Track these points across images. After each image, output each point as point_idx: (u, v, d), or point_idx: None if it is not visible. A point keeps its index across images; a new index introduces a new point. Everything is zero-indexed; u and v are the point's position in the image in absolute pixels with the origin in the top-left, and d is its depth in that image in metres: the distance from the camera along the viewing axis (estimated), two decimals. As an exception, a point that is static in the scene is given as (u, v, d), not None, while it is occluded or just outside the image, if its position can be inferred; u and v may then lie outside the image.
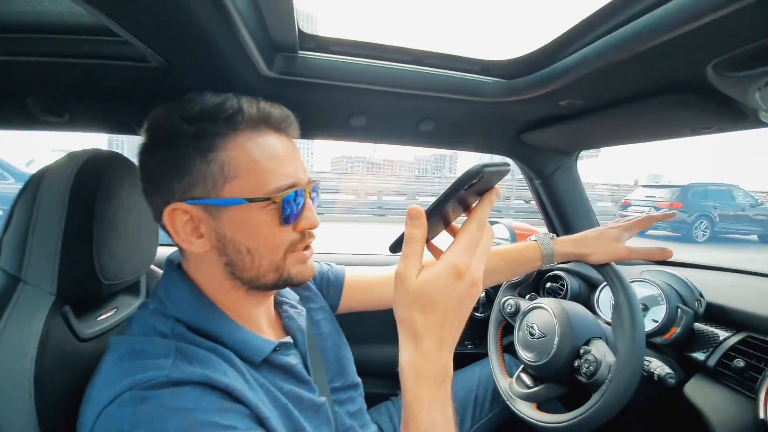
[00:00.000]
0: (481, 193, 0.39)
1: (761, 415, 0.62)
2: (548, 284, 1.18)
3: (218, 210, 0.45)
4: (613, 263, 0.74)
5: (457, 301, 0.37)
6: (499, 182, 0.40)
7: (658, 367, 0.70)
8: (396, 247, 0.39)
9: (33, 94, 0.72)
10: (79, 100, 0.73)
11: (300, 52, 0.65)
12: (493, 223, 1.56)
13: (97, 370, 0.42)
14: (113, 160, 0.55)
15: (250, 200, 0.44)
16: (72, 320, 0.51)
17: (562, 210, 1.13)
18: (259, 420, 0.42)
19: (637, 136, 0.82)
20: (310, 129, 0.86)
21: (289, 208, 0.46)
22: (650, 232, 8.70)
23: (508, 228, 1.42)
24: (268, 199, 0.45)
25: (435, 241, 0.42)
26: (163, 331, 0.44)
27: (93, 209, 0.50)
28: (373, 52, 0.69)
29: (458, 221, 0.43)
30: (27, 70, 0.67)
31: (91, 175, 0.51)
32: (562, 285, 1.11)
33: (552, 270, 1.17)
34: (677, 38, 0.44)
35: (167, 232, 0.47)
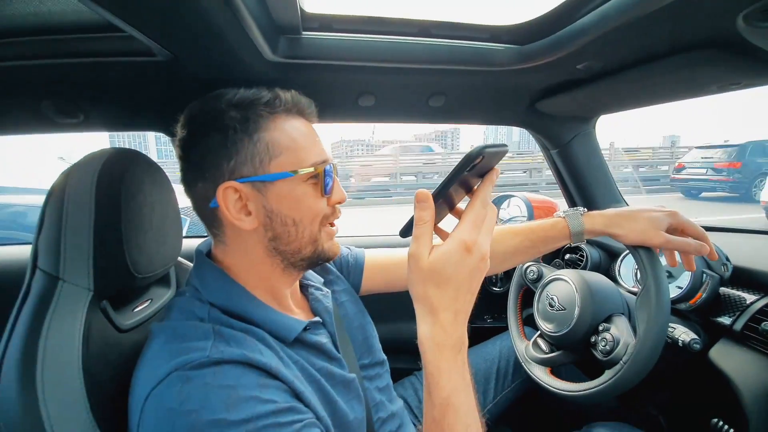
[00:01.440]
0: (482, 175, 0.40)
1: None
2: (567, 255, 1.16)
3: (265, 186, 0.49)
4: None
5: (468, 275, 0.39)
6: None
7: (683, 333, 0.69)
8: (406, 231, 0.41)
9: (47, 97, 0.73)
10: (91, 100, 0.74)
11: (304, 33, 0.63)
12: (509, 197, 1.54)
13: (142, 356, 0.45)
14: (133, 157, 0.56)
15: (295, 172, 0.49)
16: (111, 313, 0.54)
17: (582, 180, 1.10)
18: (296, 394, 0.44)
19: (661, 97, 0.78)
20: (318, 112, 0.86)
21: (327, 179, 0.52)
22: (706, 194, 8.27)
23: (525, 201, 1.39)
24: (312, 170, 0.50)
25: (441, 225, 0.43)
26: (200, 316, 0.47)
27: (119, 206, 0.52)
28: (378, 27, 0.66)
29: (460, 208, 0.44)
30: (38, 73, 0.68)
31: (113, 174, 0.53)
32: (582, 256, 1.10)
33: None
34: None
35: (210, 217, 0.51)
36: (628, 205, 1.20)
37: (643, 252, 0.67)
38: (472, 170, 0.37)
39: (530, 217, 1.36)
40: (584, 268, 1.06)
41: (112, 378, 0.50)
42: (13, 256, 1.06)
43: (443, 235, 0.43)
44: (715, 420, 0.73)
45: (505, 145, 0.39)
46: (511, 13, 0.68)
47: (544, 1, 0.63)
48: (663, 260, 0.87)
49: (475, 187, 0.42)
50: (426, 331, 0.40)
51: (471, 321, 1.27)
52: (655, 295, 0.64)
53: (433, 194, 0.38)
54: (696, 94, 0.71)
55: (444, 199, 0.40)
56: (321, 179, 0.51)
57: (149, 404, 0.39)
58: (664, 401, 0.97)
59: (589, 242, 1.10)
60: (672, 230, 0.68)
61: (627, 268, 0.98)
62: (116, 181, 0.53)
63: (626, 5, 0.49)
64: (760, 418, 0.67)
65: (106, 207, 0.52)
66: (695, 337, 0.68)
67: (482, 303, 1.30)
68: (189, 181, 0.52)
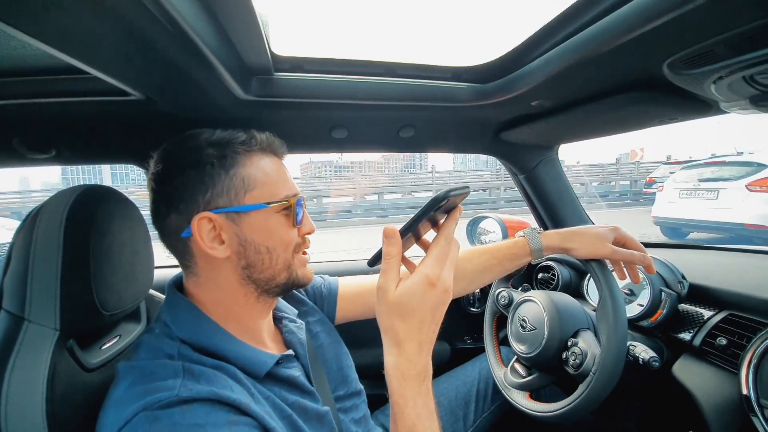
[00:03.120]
0: (447, 211, 0.44)
1: (744, 391, 0.65)
2: (540, 275, 1.20)
3: (240, 216, 0.51)
4: (601, 261, 0.76)
5: (431, 307, 0.42)
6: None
7: (642, 351, 0.72)
8: (374, 262, 0.44)
9: (17, 135, 0.74)
10: (64, 136, 0.75)
11: (275, 73, 0.67)
12: (484, 218, 1.59)
13: (108, 397, 0.45)
14: (105, 194, 0.57)
15: (270, 204, 0.52)
16: (77, 352, 0.53)
17: (548, 202, 1.16)
18: (266, 430, 0.44)
19: (609, 130, 0.85)
20: (292, 145, 0.88)
21: (298, 210, 0.55)
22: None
23: (498, 222, 1.44)
24: (285, 202, 0.53)
25: (408, 255, 0.46)
26: (170, 353, 0.47)
27: (88, 244, 0.52)
28: (348, 68, 0.71)
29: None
30: (9, 112, 0.68)
31: (83, 211, 0.53)
32: (554, 275, 1.14)
33: (542, 261, 1.20)
34: (631, 40, 0.46)
35: (180, 249, 0.52)
36: (593, 223, 1.26)
37: (596, 265, 0.73)
38: (438, 210, 0.41)
39: (504, 236, 1.41)
40: (556, 286, 1.10)
41: (77, 421, 0.49)
42: None
43: (410, 266, 0.45)
44: None
45: (467, 187, 0.42)
46: (471, 55, 0.74)
47: (499, 46, 0.69)
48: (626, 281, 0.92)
49: (441, 222, 0.45)
50: (392, 362, 0.42)
51: (451, 343, 1.30)
52: (611, 306, 0.68)
53: (400, 230, 0.42)
54: (641, 127, 0.77)
55: (412, 233, 0.43)
56: (293, 210, 0.54)
57: None
58: (642, 417, 0.99)
59: (559, 262, 1.15)
60: (616, 244, 0.75)
61: (594, 286, 1.02)
62: (87, 219, 0.53)
63: (566, 53, 0.55)
64: (720, 430, 0.70)
65: (74, 245, 0.52)
66: (654, 355, 0.71)
67: (461, 324, 1.31)
68: (161, 212, 0.52)
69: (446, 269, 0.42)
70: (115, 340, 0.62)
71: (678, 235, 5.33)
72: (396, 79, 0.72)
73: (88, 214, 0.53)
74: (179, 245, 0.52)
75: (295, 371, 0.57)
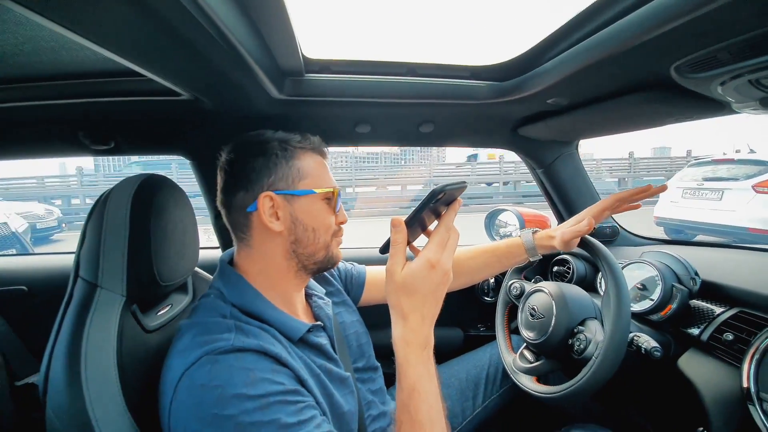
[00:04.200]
0: (448, 204, 0.49)
1: (744, 384, 0.67)
2: (555, 268, 1.23)
3: (293, 198, 0.61)
4: (605, 249, 0.79)
5: (432, 287, 0.48)
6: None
7: (645, 341, 0.75)
8: (384, 249, 0.51)
9: (82, 129, 0.84)
10: (122, 130, 0.85)
11: (306, 75, 0.73)
12: (502, 211, 1.62)
13: (172, 347, 0.54)
14: (161, 182, 0.66)
15: (317, 191, 0.62)
16: (139, 316, 0.63)
17: (566, 196, 1.17)
18: (300, 381, 0.52)
19: (625, 127, 0.86)
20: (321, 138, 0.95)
21: (338, 200, 0.65)
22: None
23: (516, 214, 1.46)
24: (329, 191, 0.63)
25: (415, 243, 0.53)
26: (223, 313, 0.56)
27: (149, 224, 0.61)
28: (372, 69, 0.76)
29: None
30: (75, 109, 0.79)
31: (145, 196, 0.62)
32: (569, 268, 1.17)
33: (559, 254, 1.22)
34: (640, 45, 0.49)
35: (241, 222, 0.61)
36: (614, 219, 1.27)
37: (603, 256, 0.77)
38: (437, 202, 0.46)
39: (522, 228, 1.44)
40: (571, 279, 1.13)
41: (140, 371, 0.59)
42: (53, 263, 1.19)
43: (416, 252, 0.51)
44: (701, 429, 0.76)
45: (464, 182, 0.48)
46: (488, 54, 0.78)
47: (516, 46, 0.72)
48: (637, 271, 0.94)
49: (443, 213, 0.50)
50: (398, 332, 0.49)
51: (464, 329, 1.36)
52: (614, 294, 0.72)
53: (405, 221, 0.48)
54: (656, 125, 0.78)
55: (417, 223, 0.49)
56: (334, 199, 0.64)
57: (183, 383, 0.47)
58: (650, 410, 1.02)
59: (576, 256, 1.17)
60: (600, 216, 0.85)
61: (607, 280, 1.04)
62: (147, 203, 0.62)
63: (580, 54, 0.58)
64: (721, 422, 0.72)
65: (138, 224, 0.61)
66: (656, 345, 0.74)
67: (475, 312, 1.36)
68: (230, 190, 0.62)
69: (445, 254, 0.48)
70: (168, 308, 0.72)
71: (683, 237, 5.00)
72: (417, 78, 0.77)
73: (148, 199, 0.62)
74: (242, 219, 0.61)
75: (323, 340, 0.65)
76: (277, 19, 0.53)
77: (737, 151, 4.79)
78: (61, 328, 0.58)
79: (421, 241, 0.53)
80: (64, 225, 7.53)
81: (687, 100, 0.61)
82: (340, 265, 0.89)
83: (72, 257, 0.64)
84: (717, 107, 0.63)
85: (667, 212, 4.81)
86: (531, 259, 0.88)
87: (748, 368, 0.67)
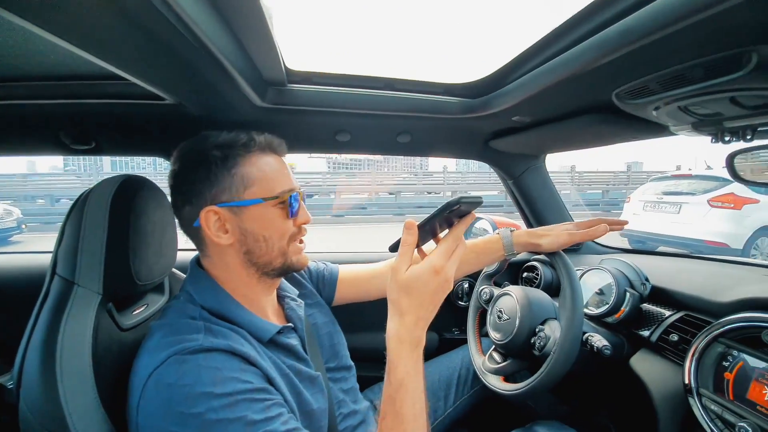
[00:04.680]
0: (461, 216, 0.52)
1: (686, 380, 0.74)
2: (525, 274, 1.30)
3: (240, 210, 0.59)
4: (564, 255, 0.85)
5: (432, 291, 0.50)
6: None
7: (597, 340, 0.81)
8: (394, 248, 0.53)
9: (63, 129, 0.85)
10: (104, 132, 0.86)
11: (288, 85, 0.77)
12: (478, 219, 1.69)
13: (142, 347, 0.55)
14: (142, 183, 0.68)
15: (266, 199, 0.59)
16: (115, 314, 0.64)
17: (534, 206, 1.25)
18: (268, 380, 0.54)
19: (583, 144, 0.94)
20: (301, 146, 0.99)
21: (292, 205, 0.62)
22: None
23: (490, 222, 1.53)
24: (278, 197, 0.60)
25: (424, 248, 0.56)
26: (192, 315, 0.57)
27: (128, 224, 0.62)
28: (352, 81, 0.81)
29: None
30: (56, 109, 0.79)
31: (125, 196, 0.64)
32: (537, 274, 1.23)
33: (528, 261, 1.29)
34: (586, 73, 0.55)
35: (194, 234, 0.61)
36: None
37: (559, 260, 0.82)
38: (451, 213, 0.49)
39: None
40: (539, 285, 1.19)
41: (114, 367, 0.60)
42: (27, 263, 1.16)
43: (423, 256, 0.53)
44: None
45: (480, 198, 0.49)
46: (461, 72, 0.85)
47: (486, 65, 0.79)
48: (595, 277, 1.01)
49: (455, 224, 0.53)
50: (393, 328, 0.51)
51: (439, 333, 1.40)
52: (569, 295, 0.77)
53: (418, 225, 0.51)
54: (609, 143, 0.87)
55: (429, 228, 0.52)
56: (287, 205, 0.61)
57: (151, 382, 0.49)
58: (613, 412, 1.08)
59: (544, 263, 1.23)
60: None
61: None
62: (127, 203, 0.63)
63: (535, 78, 0.65)
64: (667, 417, 0.78)
65: (117, 224, 0.62)
66: (606, 344, 0.80)
67: (450, 316, 1.41)
68: (177, 205, 0.62)
69: (450, 262, 0.50)
70: (143, 308, 0.73)
71: (646, 248, 5.30)
72: (394, 93, 0.82)
73: (128, 199, 0.64)
74: (192, 232, 0.62)
75: (293, 341, 0.67)
76: (258, 31, 0.56)
77: (689, 169, 5.17)
78: (36, 323, 0.58)
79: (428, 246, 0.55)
80: (24, 226, 7.16)
81: (630, 122, 0.69)
82: (311, 265, 0.90)
83: (38, 257, 0.64)
84: (657, 129, 0.71)
85: (629, 224, 5.02)
86: (506, 256, 0.90)
87: (689, 366, 0.74)
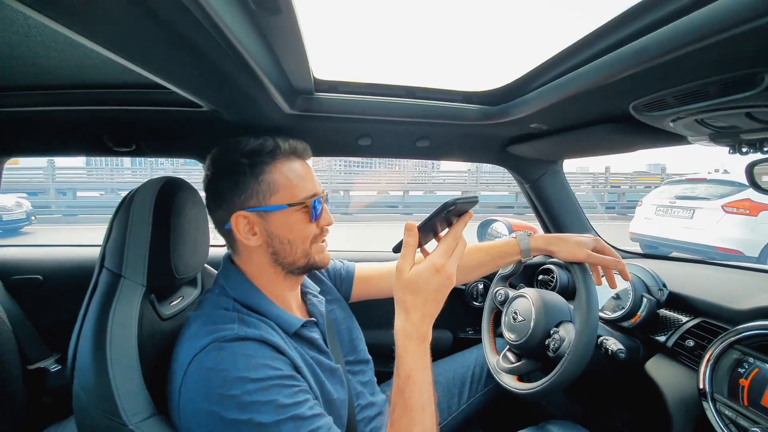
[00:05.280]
0: (460, 215, 0.55)
1: (700, 385, 0.75)
2: (540, 276, 1.31)
3: (267, 214, 0.63)
4: None
5: (435, 288, 0.53)
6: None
7: (612, 344, 0.83)
8: (397, 249, 0.56)
9: (107, 132, 0.92)
10: (144, 136, 0.93)
11: (316, 93, 0.81)
12: (494, 221, 1.70)
13: (181, 335, 0.60)
14: (181, 184, 0.73)
15: (290, 205, 0.63)
16: (156, 305, 0.70)
17: (551, 210, 1.26)
18: (296, 368, 0.58)
19: (599, 151, 0.95)
20: (325, 149, 1.04)
21: (315, 209, 0.65)
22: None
23: (507, 225, 1.55)
24: (302, 204, 0.64)
25: (427, 247, 0.59)
26: (226, 307, 0.61)
27: (169, 222, 0.68)
28: (375, 90, 0.85)
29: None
30: (101, 115, 0.86)
31: (166, 197, 0.69)
32: (553, 277, 1.24)
33: (544, 264, 1.30)
34: (605, 86, 0.57)
35: (227, 235, 0.66)
36: (596, 232, 1.35)
37: (577, 267, 0.83)
38: (449, 213, 0.51)
39: None
40: (554, 288, 1.21)
41: (156, 353, 0.66)
42: (69, 256, 1.26)
43: (427, 255, 0.56)
44: None
45: (475, 197, 0.53)
46: (480, 81, 0.88)
47: (505, 74, 0.81)
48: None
49: (454, 223, 0.55)
50: (400, 325, 0.54)
51: (453, 332, 1.43)
52: (585, 299, 0.78)
53: (418, 226, 0.54)
54: (627, 150, 0.88)
55: (429, 229, 0.55)
56: (310, 209, 0.64)
57: (192, 366, 0.54)
58: (627, 416, 1.09)
59: (560, 266, 1.24)
60: (595, 251, 0.84)
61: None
62: (169, 202, 0.69)
63: (554, 89, 0.67)
64: (681, 421, 0.79)
65: (160, 222, 0.68)
66: (621, 347, 0.82)
67: (464, 316, 1.43)
68: (211, 208, 0.67)
69: (451, 261, 0.53)
70: (180, 299, 0.78)
71: (658, 253, 5.11)
72: (415, 100, 0.86)
73: (170, 199, 0.69)
74: (225, 233, 0.67)
75: (315, 335, 0.71)
76: (292, 43, 0.60)
77: (715, 171, 4.88)
78: (87, 312, 0.64)
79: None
80: (33, 218, 7.52)
81: (647, 132, 0.70)
82: (332, 263, 0.93)
83: (84, 250, 0.70)
84: (675, 138, 0.72)
85: (641, 228, 4.93)
86: (523, 260, 0.91)
87: (704, 371, 0.75)
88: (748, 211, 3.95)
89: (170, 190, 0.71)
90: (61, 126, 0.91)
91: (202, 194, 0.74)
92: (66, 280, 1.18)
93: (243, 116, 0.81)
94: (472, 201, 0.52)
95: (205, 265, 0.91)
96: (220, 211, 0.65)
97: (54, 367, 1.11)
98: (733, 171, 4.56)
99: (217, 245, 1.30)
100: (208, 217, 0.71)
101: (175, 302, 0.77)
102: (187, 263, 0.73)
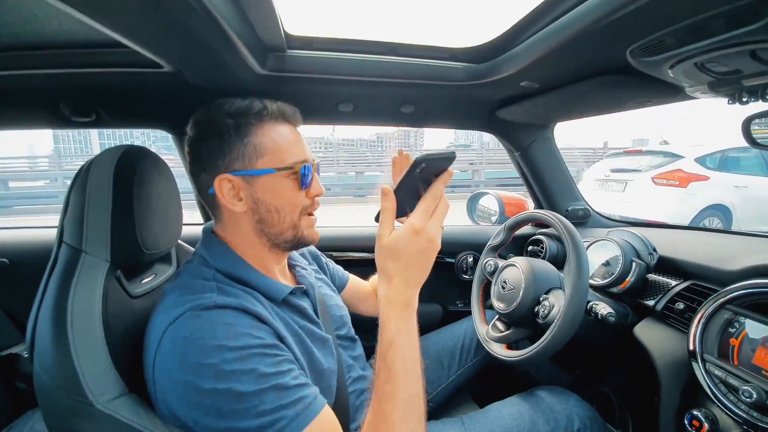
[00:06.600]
0: (438, 174, 0.50)
1: (690, 346, 0.74)
2: (530, 247, 1.29)
3: (253, 179, 0.59)
4: (569, 223, 0.84)
5: (416, 252, 0.49)
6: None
7: (601, 308, 0.82)
8: (378, 217, 0.52)
9: (63, 100, 0.84)
10: (104, 103, 0.85)
11: (288, 51, 0.75)
12: (483, 194, 1.67)
13: (157, 306, 0.57)
14: (144, 153, 0.67)
15: (278, 170, 0.59)
16: (123, 282, 0.65)
17: (542, 179, 1.23)
18: (279, 338, 0.56)
19: (592, 110, 0.91)
20: (303, 116, 0.97)
21: (304, 177, 0.61)
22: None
23: (497, 198, 1.52)
24: (290, 168, 0.60)
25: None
26: (206, 276, 0.58)
27: (132, 192, 0.63)
28: (354, 47, 0.78)
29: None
30: (56, 79, 0.78)
31: (127, 166, 0.64)
32: (542, 248, 1.23)
33: (534, 234, 1.28)
34: (599, 29, 0.53)
35: (210, 201, 0.62)
36: (586, 202, 1.33)
37: (565, 230, 0.82)
38: (422, 172, 0.47)
39: (501, 212, 1.49)
40: (544, 258, 1.19)
41: (125, 332, 0.62)
42: (35, 238, 1.19)
43: None
44: (656, 399, 0.82)
45: (452, 153, 0.48)
46: (467, 36, 0.81)
47: (493, 28, 0.75)
48: (602, 250, 1.00)
49: (432, 182, 0.51)
50: (383, 292, 0.52)
51: (444, 305, 1.42)
52: (575, 263, 0.77)
53: (394, 189, 0.50)
54: (620, 109, 0.83)
55: (409, 192, 0.50)
56: (299, 176, 0.61)
57: (167, 336, 0.51)
58: (615, 382, 1.10)
59: (550, 236, 1.23)
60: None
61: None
62: (130, 172, 0.63)
63: (545, 38, 0.62)
64: (670, 383, 0.79)
65: (121, 193, 0.62)
66: (611, 311, 0.81)
67: (454, 290, 1.42)
68: (194, 172, 0.63)
69: (431, 222, 0.49)
70: (152, 277, 0.74)
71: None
72: (398, 58, 0.79)
73: (131, 168, 0.64)
74: (209, 198, 0.63)
75: (305, 303, 0.68)
76: None
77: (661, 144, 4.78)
78: (46, 290, 0.60)
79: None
80: None
81: (643, 84, 0.66)
82: (330, 262, 0.94)
83: (52, 231, 0.65)
84: (672, 91, 0.68)
85: None
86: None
87: (694, 332, 0.74)
88: (677, 182, 3.85)
89: (131, 158, 0.65)
90: (8, 94, 0.83)
91: (181, 169, 0.69)
92: (34, 263, 1.10)
93: (209, 77, 0.74)
94: (447, 157, 0.48)
95: (181, 242, 0.87)
96: (203, 174, 0.61)
97: (26, 353, 1.07)
98: (673, 142, 4.44)
99: (192, 224, 1.25)
100: (179, 190, 0.66)
101: (146, 280, 0.73)
102: (157, 237, 0.69)
